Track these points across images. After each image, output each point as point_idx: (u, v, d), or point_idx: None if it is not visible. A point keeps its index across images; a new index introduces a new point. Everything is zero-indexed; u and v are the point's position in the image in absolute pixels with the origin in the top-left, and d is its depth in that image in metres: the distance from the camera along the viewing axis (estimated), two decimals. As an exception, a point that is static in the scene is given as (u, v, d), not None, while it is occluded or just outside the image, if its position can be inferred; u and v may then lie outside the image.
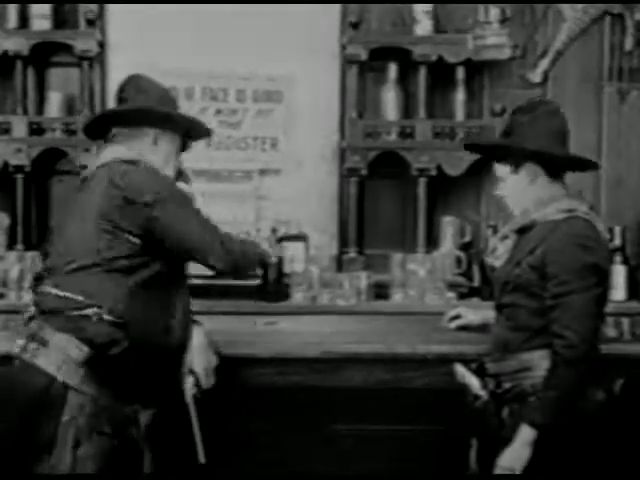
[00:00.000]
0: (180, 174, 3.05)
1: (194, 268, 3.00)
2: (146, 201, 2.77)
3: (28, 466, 2.70)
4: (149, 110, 2.96)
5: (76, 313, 2.72)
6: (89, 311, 2.71)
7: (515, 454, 2.75)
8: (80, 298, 2.72)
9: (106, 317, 2.71)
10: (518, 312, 2.83)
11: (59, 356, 2.70)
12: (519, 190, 2.89)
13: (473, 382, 2.90)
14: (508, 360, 2.84)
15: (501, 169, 2.93)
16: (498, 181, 2.96)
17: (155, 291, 2.81)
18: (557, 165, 2.89)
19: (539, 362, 2.77)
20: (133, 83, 3.03)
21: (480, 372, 2.92)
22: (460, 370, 2.94)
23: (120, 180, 2.80)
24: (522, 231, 2.90)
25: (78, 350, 2.70)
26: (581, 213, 2.83)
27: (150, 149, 2.95)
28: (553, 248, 2.76)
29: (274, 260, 3.38)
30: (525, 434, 2.73)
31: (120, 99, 3.03)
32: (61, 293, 2.75)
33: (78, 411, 2.68)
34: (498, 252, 2.95)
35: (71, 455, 2.66)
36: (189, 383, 2.91)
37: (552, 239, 2.78)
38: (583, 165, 2.98)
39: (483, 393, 2.87)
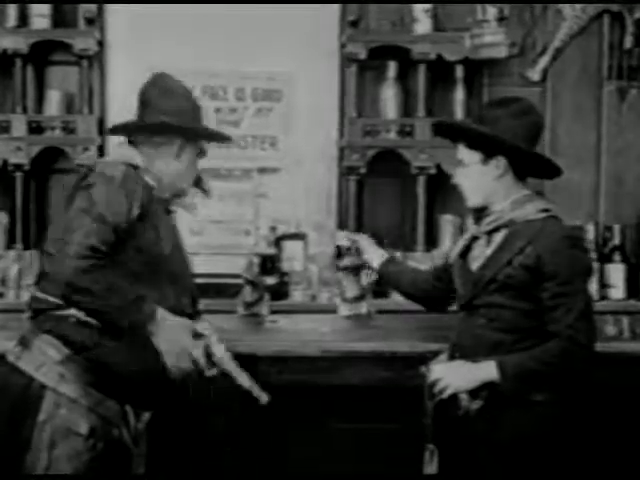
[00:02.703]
0: (199, 181, 2.99)
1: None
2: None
3: (14, 467, 2.67)
4: (175, 126, 2.84)
5: (56, 314, 2.68)
6: (66, 312, 2.67)
7: (463, 374, 2.71)
8: (56, 300, 2.67)
9: (84, 318, 2.66)
10: (504, 313, 2.74)
11: (39, 357, 2.67)
12: (484, 182, 2.79)
13: None
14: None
15: (469, 156, 2.80)
16: (459, 167, 2.84)
17: (136, 286, 2.68)
18: (525, 165, 2.80)
19: None
20: (158, 85, 2.89)
21: None
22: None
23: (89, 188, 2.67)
24: (492, 231, 2.80)
25: (57, 351, 2.66)
26: (555, 214, 2.79)
27: (173, 159, 2.86)
28: (549, 248, 2.69)
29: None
30: (487, 371, 2.68)
31: (143, 102, 2.89)
32: (41, 295, 2.72)
33: (54, 411, 2.64)
34: (474, 253, 2.83)
35: (47, 455, 2.63)
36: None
37: (543, 239, 2.70)
38: (549, 169, 2.87)
39: (476, 400, 2.72)
